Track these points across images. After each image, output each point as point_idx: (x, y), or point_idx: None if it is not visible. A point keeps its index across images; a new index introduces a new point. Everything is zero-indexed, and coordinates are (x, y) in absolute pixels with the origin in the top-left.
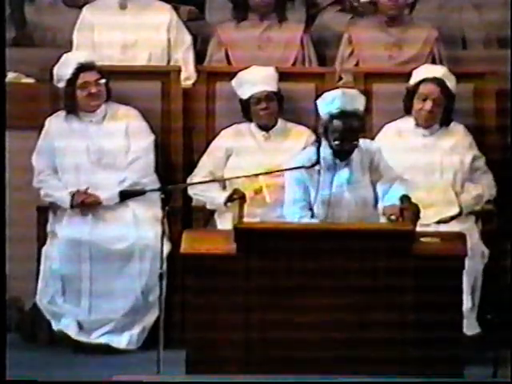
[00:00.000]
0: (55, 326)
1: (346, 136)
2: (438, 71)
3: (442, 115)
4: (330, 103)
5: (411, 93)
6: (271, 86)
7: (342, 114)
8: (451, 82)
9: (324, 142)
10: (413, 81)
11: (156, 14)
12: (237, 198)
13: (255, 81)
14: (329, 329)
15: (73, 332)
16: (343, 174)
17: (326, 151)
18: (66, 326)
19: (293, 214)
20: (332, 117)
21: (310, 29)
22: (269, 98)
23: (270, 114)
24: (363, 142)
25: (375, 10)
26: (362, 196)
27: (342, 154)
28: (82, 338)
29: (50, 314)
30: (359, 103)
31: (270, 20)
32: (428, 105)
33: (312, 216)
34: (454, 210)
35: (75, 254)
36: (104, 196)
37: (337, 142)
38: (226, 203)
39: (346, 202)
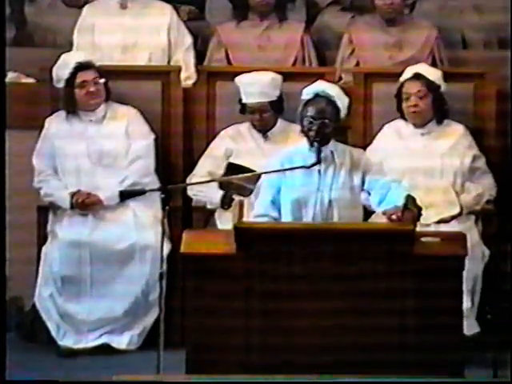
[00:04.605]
0: (57, 339)
1: (315, 118)
2: (416, 68)
3: (433, 110)
4: (307, 92)
5: (398, 97)
6: (267, 96)
7: (315, 97)
8: (434, 75)
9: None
10: (397, 86)
11: (156, 14)
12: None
13: (251, 91)
14: (328, 331)
15: (70, 341)
16: (315, 175)
17: (303, 151)
18: (63, 335)
19: (255, 214)
20: (306, 103)
21: (310, 29)
22: (262, 110)
23: (263, 124)
24: (350, 148)
25: (373, 8)
26: (339, 198)
27: (315, 145)
28: (81, 345)
29: (48, 314)
30: (337, 96)
31: (270, 20)
32: (412, 100)
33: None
34: (455, 210)
35: (75, 254)
36: (104, 196)
37: (306, 128)
38: (223, 205)
39: (317, 203)
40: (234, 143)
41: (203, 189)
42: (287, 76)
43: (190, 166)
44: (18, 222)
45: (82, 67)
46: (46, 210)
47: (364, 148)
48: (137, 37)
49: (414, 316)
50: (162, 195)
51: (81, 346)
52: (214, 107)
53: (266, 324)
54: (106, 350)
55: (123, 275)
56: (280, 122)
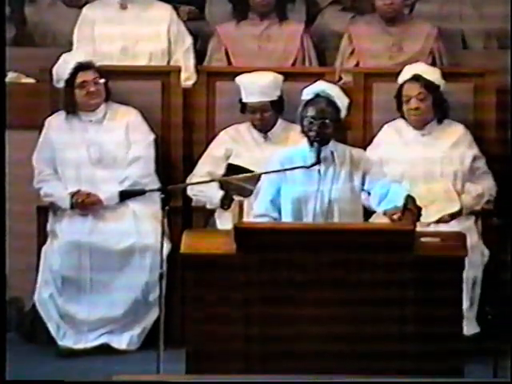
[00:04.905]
0: (57, 339)
1: (316, 119)
2: (416, 68)
3: (434, 110)
4: (307, 92)
5: (398, 98)
6: (268, 96)
7: (316, 97)
8: (433, 75)
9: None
10: (396, 86)
11: (156, 14)
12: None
13: (252, 90)
14: (328, 325)
15: (70, 341)
16: (315, 175)
17: (303, 151)
18: (63, 335)
19: (255, 214)
20: (307, 103)
21: (310, 29)
22: (263, 109)
23: (263, 124)
24: (350, 148)
25: (373, 8)
26: (339, 198)
27: (315, 145)
28: (81, 345)
29: (48, 314)
30: (337, 96)
31: (270, 19)
32: (413, 104)
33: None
34: (456, 207)
35: (75, 254)
36: (104, 196)
37: (307, 128)
38: (223, 205)
39: (317, 203)
40: (234, 143)
41: (203, 189)
42: (287, 76)
43: (190, 166)
44: (17, 223)
45: (82, 67)
46: (45, 210)
47: (364, 148)
48: (137, 37)
49: (414, 316)
50: (162, 195)
51: (81, 346)
52: (214, 107)
53: (265, 324)
54: (105, 350)
55: (123, 275)
56: (280, 122)
